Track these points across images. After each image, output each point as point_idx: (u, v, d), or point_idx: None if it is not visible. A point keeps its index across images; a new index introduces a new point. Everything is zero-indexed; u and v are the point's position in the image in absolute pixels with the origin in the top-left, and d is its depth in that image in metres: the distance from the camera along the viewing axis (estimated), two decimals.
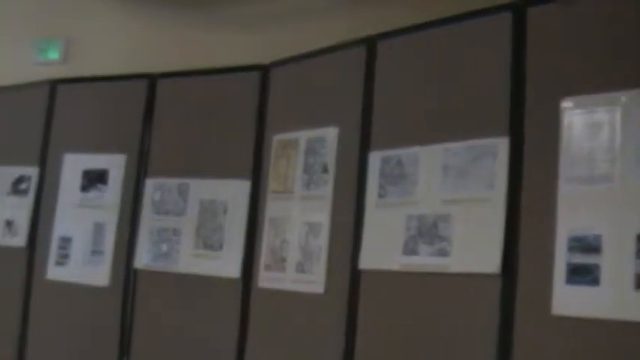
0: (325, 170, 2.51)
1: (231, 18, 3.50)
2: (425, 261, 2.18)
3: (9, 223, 3.37)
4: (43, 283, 3.21)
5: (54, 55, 3.80)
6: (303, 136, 2.61)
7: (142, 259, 2.97)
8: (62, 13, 3.83)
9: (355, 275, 2.38)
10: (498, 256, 2.01)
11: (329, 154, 2.51)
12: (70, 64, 3.74)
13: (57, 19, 3.84)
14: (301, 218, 2.56)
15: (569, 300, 1.85)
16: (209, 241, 2.82)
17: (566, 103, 1.96)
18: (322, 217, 2.48)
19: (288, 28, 3.30)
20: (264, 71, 2.85)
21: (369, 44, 2.54)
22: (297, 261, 2.53)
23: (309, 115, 2.65)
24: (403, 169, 2.30)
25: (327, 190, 2.50)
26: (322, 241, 2.46)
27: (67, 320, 3.12)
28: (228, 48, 3.35)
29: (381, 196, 2.34)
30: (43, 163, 3.33)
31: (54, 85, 3.39)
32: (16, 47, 3.90)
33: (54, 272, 3.18)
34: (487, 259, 2.03)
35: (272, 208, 2.68)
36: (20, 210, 3.35)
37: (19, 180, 3.38)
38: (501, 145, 2.07)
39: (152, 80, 3.12)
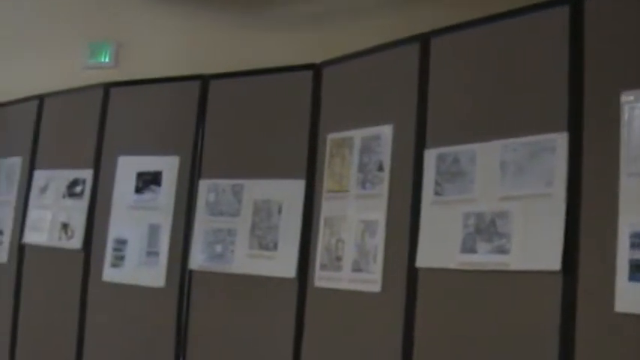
0: (381, 168, 2.55)
1: (282, 18, 3.57)
2: (483, 259, 2.21)
3: (65, 226, 3.48)
4: (99, 285, 3.31)
5: (105, 58, 3.90)
6: (357, 134, 2.66)
7: (197, 260, 3.05)
8: (113, 17, 3.94)
9: (412, 274, 2.42)
10: (559, 253, 2.04)
11: (384, 152, 2.56)
12: (121, 68, 3.85)
13: (108, 23, 3.95)
14: (357, 217, 2.60)
15: (632, 297, 1.87)
16: (264, 242, 2.88)
17: (626, 97, 1.98)
18: (378, 215, 2.52)
19: (340, 26, 3.36)
20: (316, 70, 2.90)
21: (423, 41, 2.57)
22: (354, 260, 2.58)
23: (363, 113, 2.69)
24: (460, 166, 2.34)
25: (382, 188, 2.54)
26: (378, 240, 2.51)
27: (123, 321, 3.22)
28: (280, 48, 3.42)
29: (437, 193, 2.38)
30: (97, 165, 3.43)
31: (107, 88, 3.49)
32: (68, 51, 4.03)
33: (110, 274, 3.27)
34: (547, 256, 2.05)
35: (327, 207, 2.73)
36: (76, 212, 3.46)
37: (74, 183, 3.49)
38: (560, 141, 2.10)
39: (204, 81, 3.20)
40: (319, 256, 2.72)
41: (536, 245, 2.09)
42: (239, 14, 3.68)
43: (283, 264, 2.81)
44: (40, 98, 3.82)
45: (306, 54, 3.07)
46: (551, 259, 2.04)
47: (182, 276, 3.09)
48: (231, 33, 3.66)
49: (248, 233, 2.93)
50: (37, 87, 3.89)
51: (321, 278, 2.70)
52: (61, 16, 4.11)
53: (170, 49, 3.76)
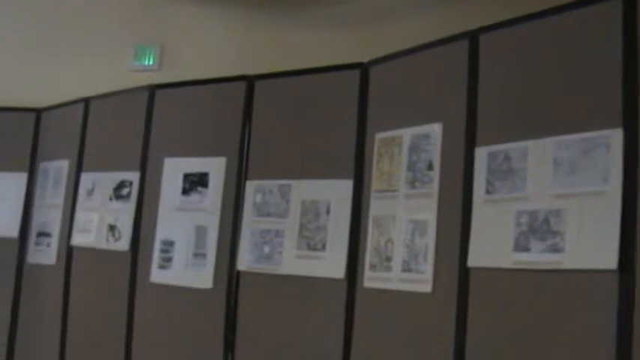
0: (430, 167, 2.56)
1: (327, 17, 3.60)
2: (537, 258, 2.21)
3: (112, 228, 3.54)
4: (147, 287, 3.36)
5: (150, 61, 3.96)
6: (406, 133, 2.67)
7: (245, 261, 3.09)
8: (158, 20, 4.01)
9: (464, 273, 2.42)
10: (615, 251, 2.03)
11: (434, 151, 2.57)
12: (165, 70, 3.91)
13: (152, 26, 4.02)
14: (406, 216, 2.62)
15: None
16: (312, 242, 2.90)
17: None
18: (428, 214, 2.53)
19: (385, 25, 3.39)
20: (363, 69, 2.92)
21: (471, 38, 2.58)
22: (403, 260, 2.59)
23: (411, 111, 2.71)
24: (511, 164, 2.34)
25: (432, 187, 2.55)
26: (429, 239, 2.52)
27: (171, 323, 3.27)
28: (325, 47, 3.45)
29: (488, 192, 2.39)
30: (143, 167, 3.49)
31: (152, 90, 3.54)
32: (113, 55, 4.11)
33: (157, 275, 3.33)
34: (603, 254, 2.05)
35: (376, 206, 2.75)
36: (123, 214, 3.52)
37: (121, 185, 3.55)
38: (615, 137, 2.09)
39: (250, 82, 3.23)
40: (368, 256, 2.74)
41: (592, 243, 2.09)
42: (283, 15, 3.72)
43: (332, 265, 2.83)
44: (86, 101, 3.89)
45: (351, 53, 3.09)
46: (607, 258, 2.03)
47: (230, 277, 3.13)
48: (275, 34, 3.70)
49: (296, 234, 2.95)
50: (83, 90, 3.97)
51: (371, 279, 2.72)
52: (106, 20, 4.19)
53: (213, 51, 3.81)
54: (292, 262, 2.95)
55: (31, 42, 4.39)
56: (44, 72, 4.31)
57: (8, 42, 4.45)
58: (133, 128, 3.57)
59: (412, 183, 2.63)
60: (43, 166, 4.07)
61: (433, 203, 2.54)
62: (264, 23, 3.74)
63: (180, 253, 3.27)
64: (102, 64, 4.13)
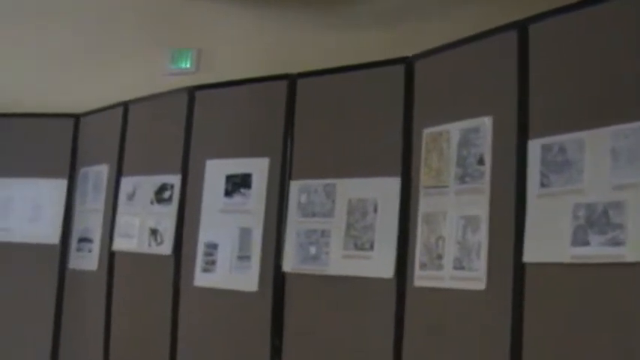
0: (481, 162, 2.53)
1: (364, 15, 3.59)
2: (597, 251, 2.17)
3: (154, 232, 3.55)
4: (191, 290, 3.37)
5: (187, 64, 3.98)
6: (455, 127, 2.65)
7: (290, 263, 3.07)
8: (194, 23, 4.03)
9: (519, 269, 2.39)
10: None
11: (484, 145, 2.54)
12: (202, 73, 3.92)
13: (189, 29, 4.04)
14: (457, 213, 2.59)
15: None
16: (359, 242, 2.88)
17: None
18: (480, 210, 2.50)
19: (426, 19, 3.37)
20: (408, 64, 2.90)
21: (520, 28, 2.54)
22: (455, 257, 2.56)
23: (459, 105, 2.68)
24: (566, 156, 2.30)
25: (484, 182, 2.52)
26: (481, 236, 2.49)
27: (216, 327, 3.27)
28: (363, 45, 3.44)
29: (543, 185, 2.35)
30: (185, 170, 3.50)
31: (192, 91, 3.55)
32: (150, 59, 4.12)
33: (201, 279, 3.33)
34: None
35: (425, 203, 2.73)
36: (165, 218, 3.53)
37: (162, 188, 3.56)
38: None
39: (292, 81, 3.23)
40: (418, 254, 2.72)
41: None
42: (319, 14, 3.71)
43: (380, 264, 2.81)
44: (125, 105, 3.91)
45: (393, 49, 3.06)
46: None
47: (275, 279, 3.12)
48: (313, 33, 3.70)
49: (343, 233, 2.94)
50: (120, 95, 4.00)
51: (421, 277, 2.69)
52: (143, 24, 4.22)
53: (250, 52, 3.82)
54: (339, 263, 2.93)
55: (68, 48, 4.44)
56: (81, 77, 4.35)
57: (46, 48, 4.50)
58: (173, 131, 3.58)
59: (462, 178, 2.59)
60: (82, 171, 4.10)
61: (485, 198, 2.51)
62: (301, 23, 3.74)
63: (224, 256, 3.26)
64: (139, 68, 4.16)
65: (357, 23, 3.60)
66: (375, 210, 2.87)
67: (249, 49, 3.83)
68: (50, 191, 4.18)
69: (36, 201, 4.19)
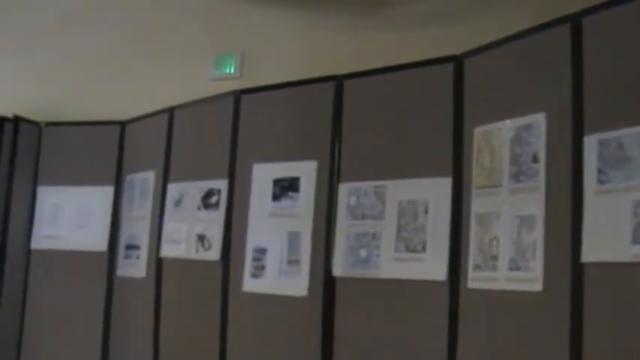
0: (535, 159, 2.49)
1: (408, 16, 3.55)
2: None
3: (201, 238, 3.55)
4: (240, 296, 3.37)
5: (231, 69, 3.98)
6: (507, 125, 2.61)
7: (340, 266, 3.06)
8: (238, 29, 4.04)
9: (577, 269, 2.34)
10: None
11: (538, 142, 2.50)
12: (246, 78, 3.92)
13: (232, 34, 4.05)
14: (512, 212, 2.55)
15: None
16: (411, 244, 2.86)
17: None
18: (535, 209, 2.46)
19: (471, 18, 3.33)
20: (457, 62, 2.87)
21: (573, 22, 2.50)
22: (510, 258, 2.52)
23: (511, 103, 2.64)
24: (625, 151, 2.25)
25: (539, 180, 2.48)
26: (537, 235, 2.44)
27: (266, 332, 3.26)
28: (409, 45, 3.40)
29: (601, 182, 2.30)
30: (232, 175, 3.50)
31: (238, 95, 3.55)
32: (194, 65, 4.14)
33: (250, 284, 3.32)
34: None
35: (478, 204, 2.69)
36: (212, 223, 3.53)
37: (209, 194, 3.57)
38: None
39: (338, 82, 3.21)
40: (472, 256, 2.68)
41: None
42: (364, 16, 3.69)
43: (433, 266, 2.78)
44: (170, 111, 3.93)
45: (440, 48, 3.04)
46: None
47: (325, 284, 3.10)
48: (357, 35, 3.68)
49: (394, 236, 2.91)
50: (163, 101, 4.02)
51: (475, 279, 2.66)
52: (186, 30, 4.24)
53: (294, 55, 3.81)
54: (391, 266, 2.91)
55: (112, 55, 4.49)
56: (125, 85, 4.38)
57: (89, 56, 4.54)
58: (219, 135, 3.59)
59: (516, 177, 2.56)
60: (129, 178, 4.13)
61: (540, 197, 2.46)
62: (345, 25, 3.72)
63: (273, 261, 3.25)
64: (183, 74, 4.18)
65: (401, 24, 3.57)
66: (426, 211, 2.84)
67: (293, 53, 3.82)
68: (97, 199, 4.22)
69: (83, 208, 4.24)
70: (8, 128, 4.24)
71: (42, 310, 4.18)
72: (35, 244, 4.29)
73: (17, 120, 4.26)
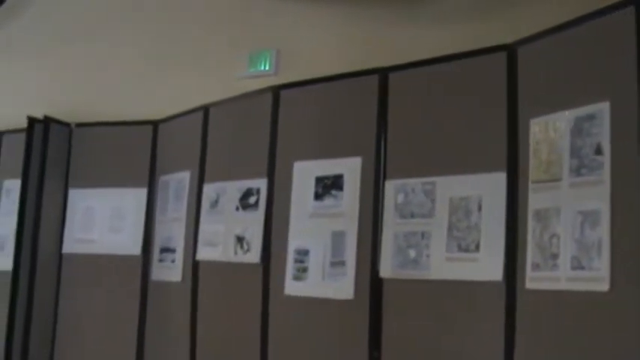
0: (599, 151, 2.39)
1: (447, 7, 3.45)
2: None
3: (240, 239, 3.48)
4: (282, 300, 3.29)
5: (265, 66, 3.91)
6: (567, 116, 2.51)
7: (388, 268, 2.97)
8: (272, 25, 3.97)
9: None
10: None
11: (602, 133, 2.39)
12: (281, 75, 3.84)
13: (267, 31, 3.98)
14: (573, 207, 2.45)
15: None
16: (464, 243, 2.76)
17: None
18: (600, 204, 2.36)
19: (523, 3, 3.21)
20: (510, 51, 2.78)
21: (638, 4, 2.39)
22: (573, 256, 2.42)
23: (570, 92, 2.54)
24: None
25: (603, 173, 2.37)
26: (602, 232, 2.34)
27: (309, 338, 3.18)
28: (455, 34, 3.30)
29: None
30: (271, 173, 3.43)
31: (277, 91, 3.48)
32: (228, 62, 4.07)
33: (292, 287, 3.25)
34: None
35: (535, 199, 2.59)
36: (251, 224, 3.46)
37: (248, 193, 3.50)
38: None
39: (383, 75, 3.13)
40: (530, 254, 2.58)
41: None
42: (399, 7, 3.59)
43: (488, 266, 2.69)
44: (206, 109, 3.86)
45: (488, 37, 2.95)
46: None
47: (372, 286, 3.01)
48: (396, 28, 3.58)
49: (445, 235, 2.82)
50: (196, 100, 3.96)
51: (534, 279, 2.56)
52: (219, 28, 4.18)
53: (331, 51, 3.73)
54: (442, 266, 2.81)
55: (142, 53, 4.43)
56: (156, 83, 4.33)
57: (120, 55, 4.50)
58: (257, 133, 3.52)
59: (578, 170, 2.45)
60: (162, 179, 4.07)
61: (605, 191, 2.36)
62: (385, 18, 3.63)
63: (317, 263, 3.17)
64: (215, 72, 4.11)
65: (445, 13, 3.46)
66: (480, 208, 2.74)
67: (329, 48, 3.74)
68: (130, 201, 4.17)
69: (116, 211, 4.19)
70: (38, 130, 4.21)
71: (74, 316, 4.15)
72: (67, 248, 4.25)
73: (47, 121, 4.23)
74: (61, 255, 4.25)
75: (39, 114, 4.22)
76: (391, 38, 3.55)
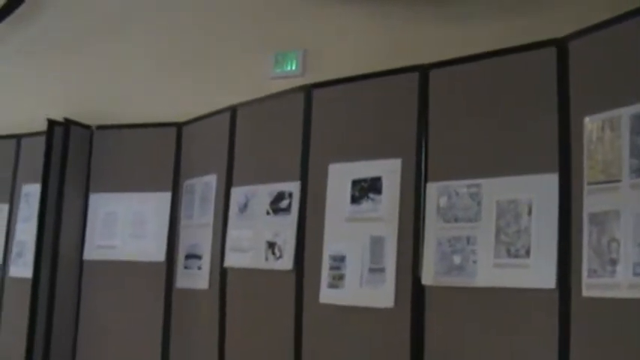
0: None
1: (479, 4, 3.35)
2: None
3: (271, 245, 3.38)
4: (316, 309, 3.20)
5: (292, 67, 3.82)
6: (626, 112, 2.40)
7: (431, 274, 2.87)
8: (298, 26, 3.90)
9: None
10: None
11: None
12: (308, 75, 3.77)
13: (293, 31, 3.91)
14: (634, 210, 2.33)
15: None
16: (513, 248, 2.66)
17: None
18: None
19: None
20: (560, 47, 2.67)
21: None
22: (635, 262, 2.31)
23: (628, 88, 2.44)
24: None
25: None
26: None
27: (346, 348, 3.09)
28: (495, 31, 3.21)
29: None
30: (304, 176, 3.33)
31: (309, 90, 3.39)
32: (252, 63, 4.01)
33: (328, 295, 3.16)
34: None
35: (591, 202, 2.48)
36: (283, 230, 3.36)
37: (279, 197, 3.40)
38: None
39: (424, 72, 3.03)
40: (586, 260, 2.47)
41: None
42: (436, 3, 3.49)
43: (539, 273, 2.58)
44: (233, 110, 3.78)
45: (532, 33, 2.84)
46: None
47: (414, 293, 2.91)
48: (432, 25, 3.49)
49: (492, 240, 2.72)
50: (220, 102, 3.90)
51: (591, 286, 2.44)
52: (244, 29, 4.11)
53: (361, 51, 3.65)
54: (490, 273, 2.71)
55: (165, 54, 4.38)
56: (179, 85, 4.26)
57: (142, 56, 4.44)
58: (288, 135, 3.43)
59: (638, 171, 2.34)
60: (187, 183, 3.98)
61: None
62: (412, 17, 3.54)
63: (354, 269, 3.07)
64: (240, 73, 4.04)
65: (484, 9, 3.36)
66: (530, 212, 2.63)
67: (359, 47, 3.65)
68: (153, 205, 4.09)
69: (139, 216, 4.11)
70: (58, 132, 4.14)
71: (96, 325, 4.08)
72: (88, 255, 4.18)
73: (67, 123, 4.16)
74: (81, 262, 4.17)
75: (58, 116, 4.14)
76: (423, 36, 3.46)
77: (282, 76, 3.89)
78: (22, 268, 4.22)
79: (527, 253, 2.63)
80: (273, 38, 3.97)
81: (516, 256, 2.66)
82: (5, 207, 4.50)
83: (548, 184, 2.61)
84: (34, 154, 4.28)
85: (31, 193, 4.36)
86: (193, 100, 4.14)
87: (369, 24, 3.67)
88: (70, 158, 4.14)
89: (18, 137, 4.57)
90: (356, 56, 3.62)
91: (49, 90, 4.69)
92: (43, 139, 4.12)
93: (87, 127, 4.28)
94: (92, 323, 4.09)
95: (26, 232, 4.26)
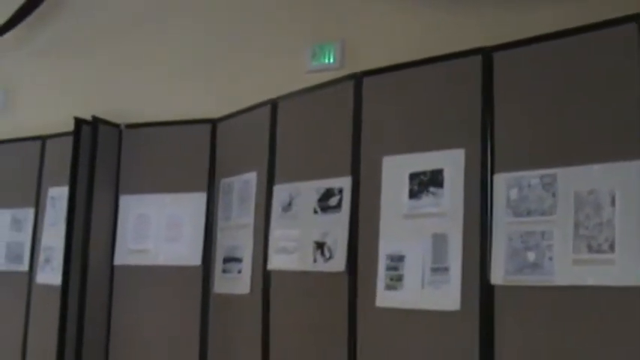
0: None
1: None
2: None
3: (320, 246, 3.23)
4: (372, 313, 3.05)
5: (330, 59, 3.69)
6: None
7: (501, 273, 2.70)
8: (337, 18, 3.79)
9: None
10: None
11: None
12: (347, 68, 3.63)
13: (331, 24, 3.80)
14: None
15: None
16: (594, 243, 2.49)
17: None
18: None
19: None
20: None
21: None
22: None
23: None
24: None
25: None
26: None
27: (407, 355, 2.94)
28: (557, 14, 3.03)
29: None
30: (355, 170, 3.18)
31: (360, 78, 3.24)
32: (289, 56, 3.89)
33: (385, 298, 3.00)
34: None
35: None
36: (333, 229, 3.21)
37: (328, 194, 3.25)
38: None
39: (486, 55, 2.87)
40: None
41: None
42: None
43: (625, 269, 2.42)
44: (273, 103, 3.62)
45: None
46: None
47: (482, 294, 2.74)
48: (478, 11, 3.34)
49: (570, 234, 2.55)
50: (255, 97, 3.77)
51: None
52: (282, 21, 4.00)
53: (401, 41, 3.50)
54: (569, 270, 2.53)
55: (197, 49, 4.29)
56: (212, 80, 4.13)
57: (173, 51, 4.34)
58: (336, 127, 3.29)
59: None
60: (224, 182, 3.83)
61: None
62: (460, 3, 3.35)
63: (414, 270, 2.91)
64: (276, 67, 3.92)
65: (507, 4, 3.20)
66: (613, 203, 2.45)
67: (399, 37, 3.51)
68: (188, 207, 3.95)
69: (173, 218, 3.97)
70: (86, 132, 4.00)
71: (128, 333, 3.95)
72: (119, 260, 4.04)
73: (96, 122, 4.03)
74: (112, 267, 4.03)
75: (86, 115, 3.99)
76: (470, 23, 3.31)
77: (319, 69, 3.76)
78: (49, 274, 4.09)
79: (612, 247, 2.46)
80: (310, 30, 3.84)
81: (599, 252, 2.48)
82: (31, 211, 4.36)
83: (633, 172, 2.44)
84: (59, 156, 4.17)
85: (57, 196, 4.23)
86: (227, 96, 4.03)
87: (411, 12, 3.51)
88: (98, 158, 4.01)
89: (43, 139, 4.44)
90: (399, 46, 3.47)
91: (73, 90, 4.59)
92: (68, 140, 3.99)
93: (116, 125, 4.16)
94: (124, 333, 3.96)
95: (53, 237, 4.13)
